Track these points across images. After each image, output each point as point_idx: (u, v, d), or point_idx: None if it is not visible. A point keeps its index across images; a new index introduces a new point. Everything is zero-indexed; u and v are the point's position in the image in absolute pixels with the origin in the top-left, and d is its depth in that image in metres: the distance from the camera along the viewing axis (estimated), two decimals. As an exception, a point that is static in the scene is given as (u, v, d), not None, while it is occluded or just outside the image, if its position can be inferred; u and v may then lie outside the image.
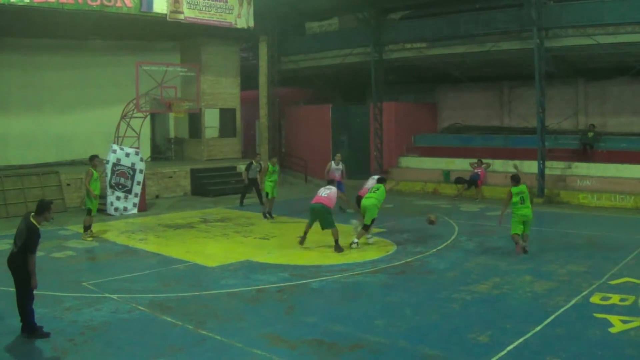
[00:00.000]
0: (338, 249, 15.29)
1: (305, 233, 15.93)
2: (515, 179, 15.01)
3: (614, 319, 9.69)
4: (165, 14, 25.71)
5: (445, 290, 11.72)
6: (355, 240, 15.74)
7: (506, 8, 26.16)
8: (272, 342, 8.96)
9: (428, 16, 29.35)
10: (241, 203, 23.98)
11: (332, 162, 22.15)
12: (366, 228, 15.97)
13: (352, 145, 32.40)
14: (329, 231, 15.50)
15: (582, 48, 25.33)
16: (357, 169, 27.16)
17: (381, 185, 16.38)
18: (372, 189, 16.47)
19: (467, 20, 27.18)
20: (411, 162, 31.55)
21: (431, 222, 16.74)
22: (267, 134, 32.28)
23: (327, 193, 15.89)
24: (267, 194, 20.86)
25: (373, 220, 16.00)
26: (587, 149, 26.88)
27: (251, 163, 24.17)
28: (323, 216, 15.57)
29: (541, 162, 25.27)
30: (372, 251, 15.42)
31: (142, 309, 10.64)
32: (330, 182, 17.00)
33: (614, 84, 28.55)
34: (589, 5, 24.68)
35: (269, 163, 21.75)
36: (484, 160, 27.35)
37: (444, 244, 16.20)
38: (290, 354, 8.59)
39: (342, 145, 32.33)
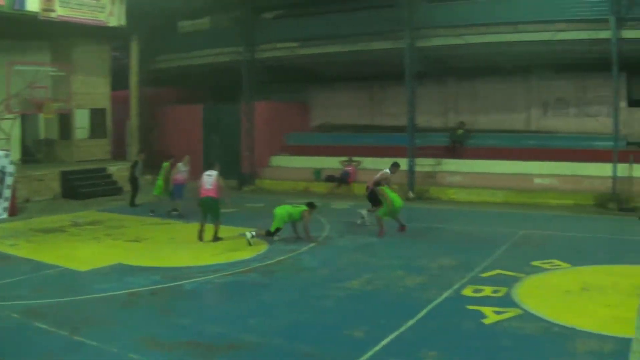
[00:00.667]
0: (216, 239, 15.94)
1: (202, 226, 16.34)
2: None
3: (487, 310, 9.89)
4: (38, 12, 24.57)
5: (318, 288, 11.72)
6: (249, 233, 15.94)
7: (378, 8, 26.52)
8: (148, 346, 8.71)
9: (301, 16, 29.57)
10: (132, 203, 23.42)
11: (181, 163, 21.73)
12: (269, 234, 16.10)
13: (224, 145, 32.03)
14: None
15: (452, 48, 26.00)
16: (229, 169, 26.93)
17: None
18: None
19: (340, 20, 27.49)
20: (282, 161, 31.63)
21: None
22: (138, 135, 31.47)
23: (211, 182, 16.30)
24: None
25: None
26: (457, 146, 27.65)
27: (137, 162, 23.84)
28: (212, 209, 16.20)
29: (411, 159, 25.80)
30: (244, 251, 15.23)
31: (16, 316, 10.13)
32: (211, 166, 17.15)
33: (483, 82, 29.49)
34: (460, 6, 25.38)
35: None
36: (355, 159, 27.72)
37: (316, 242, 16.17)
38: (167, 356, 8.39)
39: (214, 145, 32.09)
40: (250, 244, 15.65)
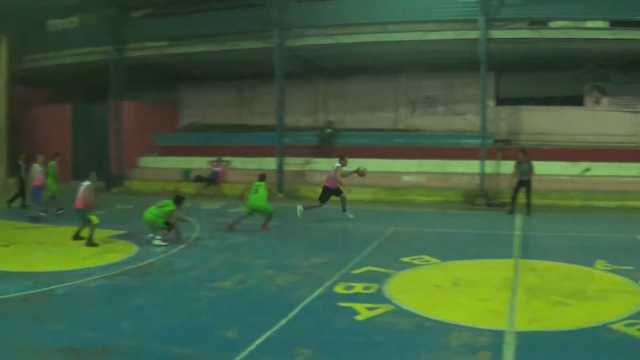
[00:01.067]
0: (90, 243, 15.35)
1: (77, 232, 16.12)
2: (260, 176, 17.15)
3: (359, 307, 9.83)
4: None
5: (190, 289, 11.44)
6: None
7: (248, 7, 26.49)
8: (21, 353, 8.22)
9: (170, 15, 29.14)
10: (11, 203, 22.73)
11: (36, 164, 21.07)
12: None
13: (92, 146, 31.23)
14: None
15: (322, 47, 26.24)
16: (98, 171, 26.11)
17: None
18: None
19: (209, 19, 27.32)
20: (151, 162, 31.34)
21: (362, 174, 18.91)
22: (5, 136, 30.06)
23: (80, 193, 15.97)
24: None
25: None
26: (325, 145, 27.82)
27: (19, 165, 23.04)
28: (82, 218, 15.89)
29: (280, 158, 25.78)
30: (114, 253, 14.72)
31: None
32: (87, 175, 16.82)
33: (353, 82, 29.85)
34: (331, 6, 25.60)
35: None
36: (224, 159, 27.50)
37: (185, 243, 15.85)
38: (42, 363, 7.93)
39: (82, 146, 31.28)
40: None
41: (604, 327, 9.01)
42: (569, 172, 25.08)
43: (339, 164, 20.06)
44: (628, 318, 9.41)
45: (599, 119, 28.33)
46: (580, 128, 28.40)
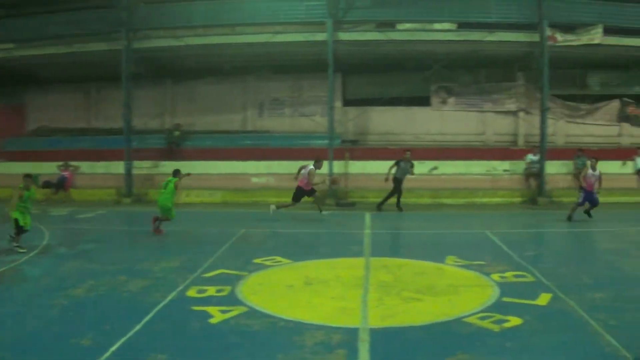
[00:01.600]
0: None
1: None
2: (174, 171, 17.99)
3: (212, 310, 9.75)
4: None
5: (43, 298, 10.95)
6: None
7: (96, 9, 26.00)
8: None
9: (17, 16, 28.13)
10: None
11: None
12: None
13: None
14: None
15: (171, 49, 26.04)
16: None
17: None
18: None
19: (57, 20, 26.63)
20: (-1, 167, 29.85)
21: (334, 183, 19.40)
22: None
23: None
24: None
25: None
26: (174, 147, 27.59)
27: None
28: None
29: (128, 162, 25.35)
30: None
31: None
32: None
33: (202, 84, 29.76)
34: (179, 7, 25.48)
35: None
36: (72, 163, 26.77)
37: (35, 251, 15.26)
38: None
39: None
40: None
41: (458, 321, 9.30)
42: (417, 171, 25.83)
43: (312, 166, 20.42)
44: (481, 311, 9.78)
45: (446, 119, 29.46)
46: (427, 128, 29.44)
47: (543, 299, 10.61)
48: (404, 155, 22.90)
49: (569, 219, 20.45)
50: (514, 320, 9.34)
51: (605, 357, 8.04)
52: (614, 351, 8.16)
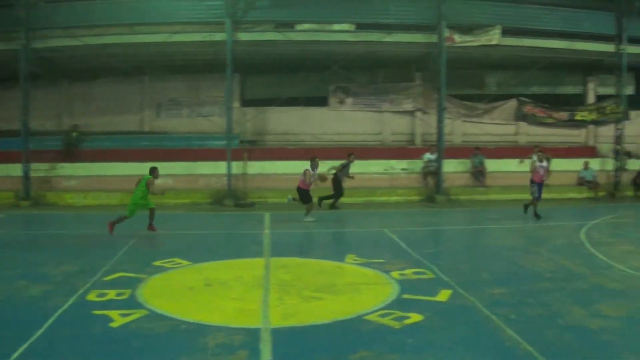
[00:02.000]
0: None
1: None
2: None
3: (113, 313, 9.69)
4: None
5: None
6: None
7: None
8: None
9: None
10: None
11: None
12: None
13: None
14: None
15: (69, 49, 25.58)
16: None
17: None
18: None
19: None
20: None
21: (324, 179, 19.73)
22: None
23: None
24: None
25: None
26: (71, 149, 27.16)
27: None
28: None
29: (26, 164, 24.86)
30: None
31: None
32: None
33: (99, 84, 29.35)
34: (79, 7, 25.03)
35: None
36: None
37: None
38: None
39: None
40: None
41: (359, 319, 9.51)
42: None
43: (308, 167, 20.66)
44: (382, 309, 10.02)
45: (344, 119, 29.85)
46: (325, 128, 29.77)
47: (443, 295, 10.95)
48: (349, 157, 23.27)
49: (537, 216, 21.22)
50: (415, 317, 9.61)
51: (506, 351, 8.36)
52: (515, 345, 8.50)
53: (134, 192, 17.89)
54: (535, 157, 21.70)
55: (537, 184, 21.27)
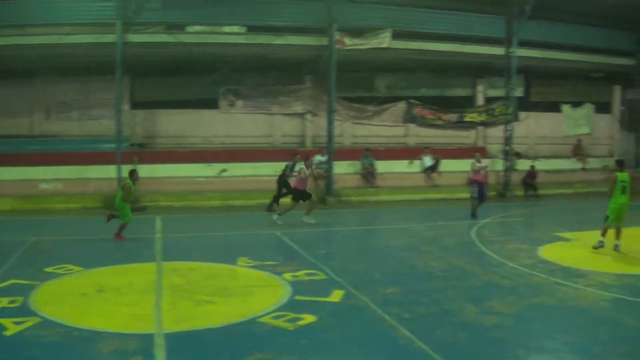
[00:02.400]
0: None
1: None
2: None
3: (6, 322, 9.57)
4: None
5: None
6: None
7: None
8: None
9: None
10: None
11: None
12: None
13: None
14: None
15: None
16: None
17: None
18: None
19: None
20: None
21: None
22: None
23: None
24: None
25: None
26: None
27: None
28: None
29: None
30: None
31: None
32: None
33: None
34: None
35: None
36: None
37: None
38: None
39: None
40: None
41: (253, 321, 9.72)
42: (206, 174, 26.30)
43: (303, 166, 20.85)
44: (275, 311, 10.27)
45: (234, 121, 29.90)
46: (216, 130, 29.78)
47: (336, 296, 11.24)
48: (294, 158, 23.38)
49: (473, 216, 21.92)
50: (308, 318, 9.86)
51: (400, 350, 8.67)
52: (409, 343, 8.83)
53: (117, 196, 17.79)
54: (475, 160, 22.33)
55: (478, 184, 21.85)
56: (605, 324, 10.11)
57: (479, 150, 24.55)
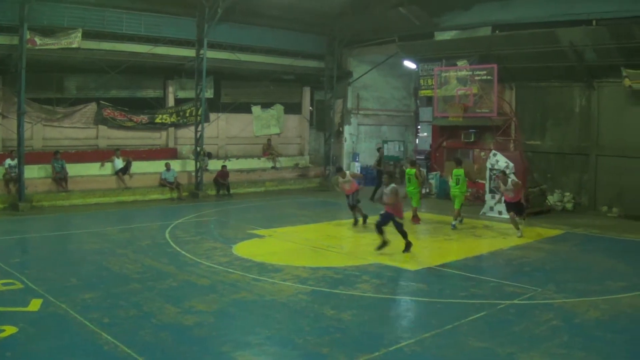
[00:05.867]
0: None
1: None
2: None
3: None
4: None
5: None
6: None
7: None
8: None
9: None
10: None
11: None
12: None
13: None
14: None
15: None
16: None
17: None
18: None
19: None
20: None
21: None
22: None
23: None
24: None
25: None
26: None
27: None
28: None
29: None
30: None
31: None
32: None
33: None
34: None
35: None
36: None
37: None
38: None
39: None
40: None
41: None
42: None
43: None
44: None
45: None
46: None
47: (34, 305, 11.22)
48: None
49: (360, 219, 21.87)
50: (10, 329, 9.83)
51: (106, 355, 8.90)
52: (113, 348, 9.11)
53: None
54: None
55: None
56: (306, 316, 10.99)
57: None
